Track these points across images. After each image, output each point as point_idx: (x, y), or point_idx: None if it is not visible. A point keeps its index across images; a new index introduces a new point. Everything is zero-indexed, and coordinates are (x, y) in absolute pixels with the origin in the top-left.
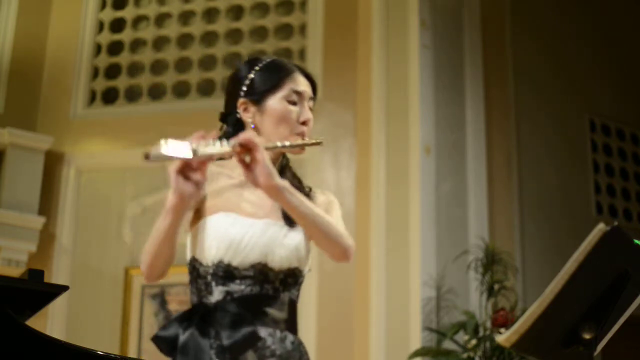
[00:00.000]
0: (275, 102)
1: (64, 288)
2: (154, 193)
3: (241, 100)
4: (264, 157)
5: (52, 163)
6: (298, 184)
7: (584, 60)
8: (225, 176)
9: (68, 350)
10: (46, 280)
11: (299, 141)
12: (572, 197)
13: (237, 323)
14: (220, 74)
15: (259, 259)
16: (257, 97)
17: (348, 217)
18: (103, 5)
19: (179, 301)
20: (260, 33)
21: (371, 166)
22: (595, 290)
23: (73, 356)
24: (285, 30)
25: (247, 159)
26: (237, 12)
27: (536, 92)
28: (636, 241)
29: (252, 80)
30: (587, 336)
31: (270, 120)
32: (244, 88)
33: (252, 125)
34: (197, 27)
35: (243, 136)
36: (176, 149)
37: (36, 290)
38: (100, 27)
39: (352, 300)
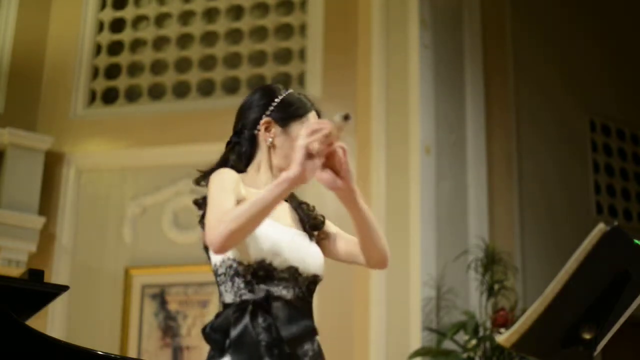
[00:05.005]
0: (299, 129)
1: (64, 288)
2: (154, 193)
3: (266, 118)
4: (348, 162)
5: (52, 163)
6: (311, 211)
7: (585, 60)
8: (253, 188)
9: (68, 350)
10: (46, 280)
11: None
12: (572, 197)
13: (293, 316)
14: (220, 74)
15: (294, 262)
16: (284, 120)
17: (347, 217)
18: (103, 5)
19: (179, 301)
20: (260, 33)
21: (371, 165)
22: (596, 290)
23: (73, 356)
24: (285, 30)
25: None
26: (237, 12)
27: (536, 92)
28: (636, 241)
29: (281, 101)
30: (587, 336)
31: (292, 145)
32: (271, 108)
33: (269, 144)
34: (197, 27)
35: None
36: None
37: (36, 290)
38: (100, 27)
39: (352, 300)
